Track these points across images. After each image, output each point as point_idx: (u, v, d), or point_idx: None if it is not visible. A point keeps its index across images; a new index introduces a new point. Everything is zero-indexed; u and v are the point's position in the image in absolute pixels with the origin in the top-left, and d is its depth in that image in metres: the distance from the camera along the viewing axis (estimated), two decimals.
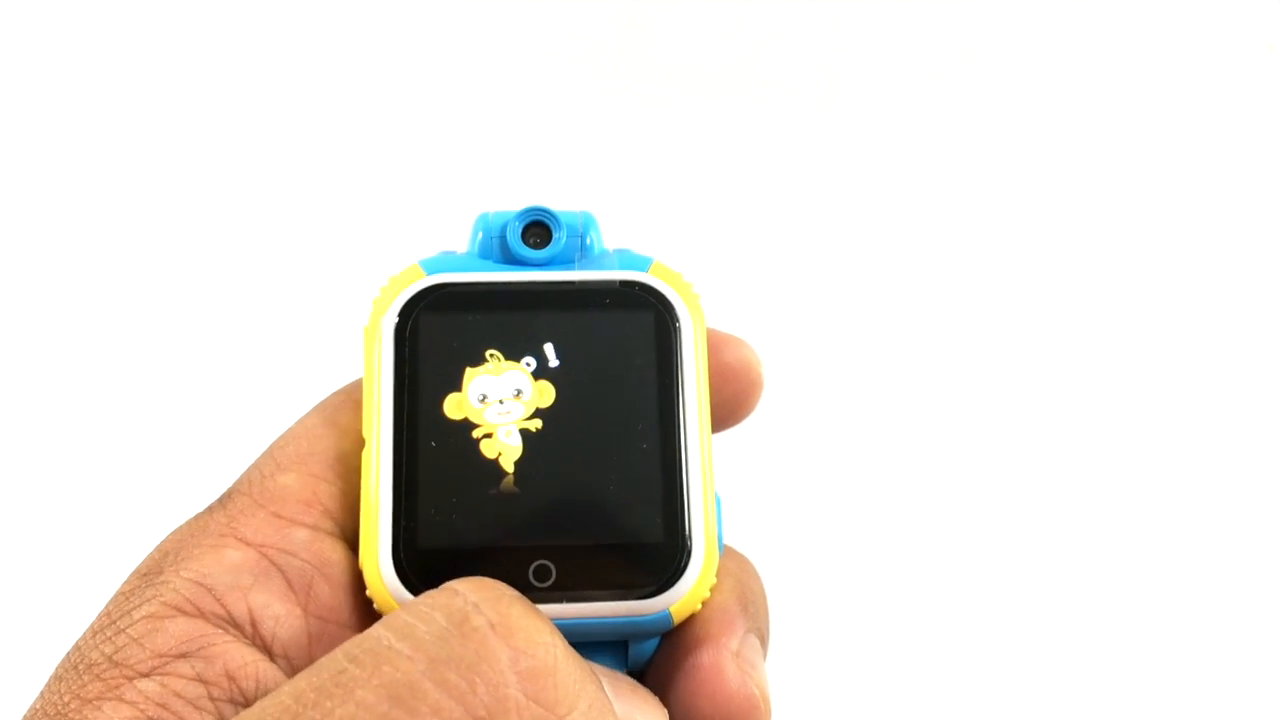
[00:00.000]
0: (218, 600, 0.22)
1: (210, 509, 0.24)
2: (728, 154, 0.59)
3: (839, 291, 0.57)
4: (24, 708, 0.22)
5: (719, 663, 0.24)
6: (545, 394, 0.25)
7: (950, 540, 0.53)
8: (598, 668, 0.23)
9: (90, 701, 0.21)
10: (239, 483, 0.25)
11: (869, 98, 0.60)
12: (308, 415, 0.26)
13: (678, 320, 0.26)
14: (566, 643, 0.21)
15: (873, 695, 0.51)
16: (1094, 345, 0.56)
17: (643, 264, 0.26)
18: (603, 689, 0.22)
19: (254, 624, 0.23)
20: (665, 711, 0.24)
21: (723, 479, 0.27)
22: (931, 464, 0.54)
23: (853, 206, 0.58)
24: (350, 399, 0.26)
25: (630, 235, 0.29)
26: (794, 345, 0.56)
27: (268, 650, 0.23)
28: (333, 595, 0.23)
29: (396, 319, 0.25)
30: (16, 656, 0.48)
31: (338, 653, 0.20)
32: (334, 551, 0.24)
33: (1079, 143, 0.59)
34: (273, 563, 0.23)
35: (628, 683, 0.24)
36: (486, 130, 0.59)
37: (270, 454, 0.25)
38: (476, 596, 0.21)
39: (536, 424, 0.25)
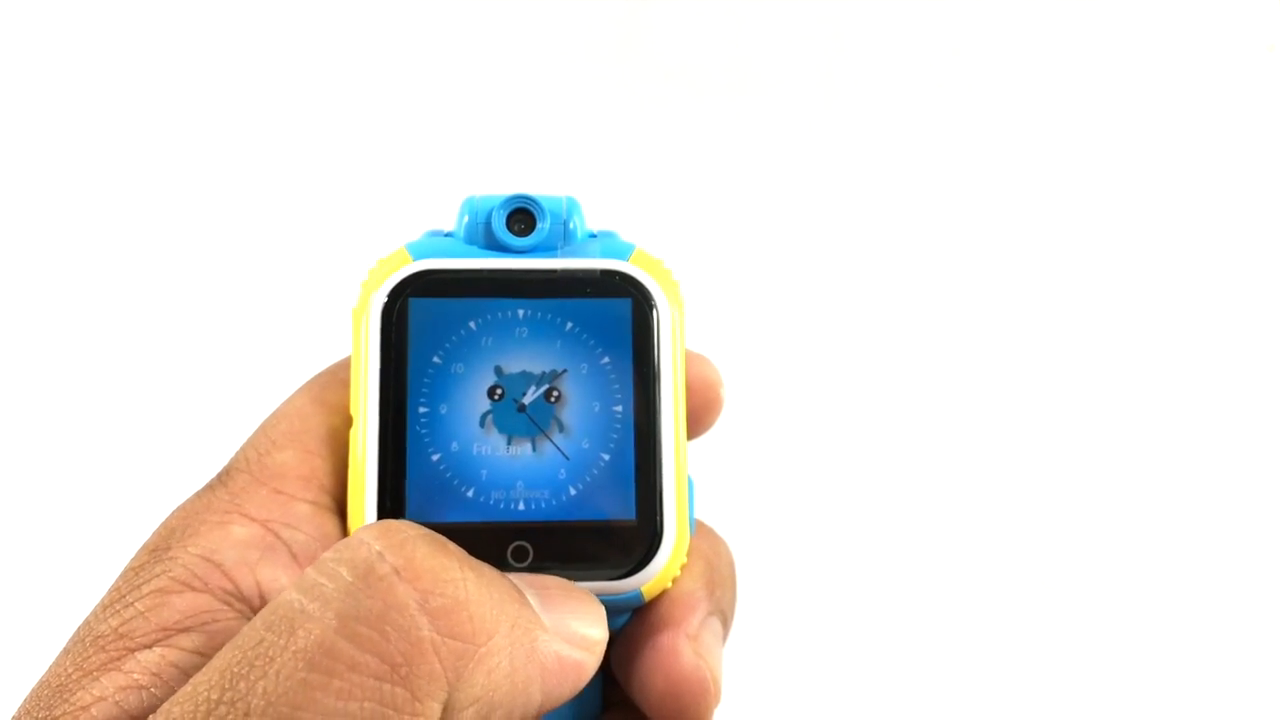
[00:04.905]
0: (226, 575, 0.23)
1: (210, 486, 0.25)
2: (727, 153, 0.59)
3: (836, 291, 0.57)
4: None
5: (676, 645, 0.25)
6: (527, 385, 0.26)
7: (932, 535, 0.53)
8: (526, 578, 0.23)
9: (90, 673, 0.21)
10: (236, 461, 0.25)
11: (868, 98, 0.60)
12: (296, 395, 0.26)
13: (656, 308, 0.26)
14: (483, 571, 0.22)
15: (842, 688, 0.51)
16: (1092, 344, 0.56)
17: (624, 251, 0.27)
18: (527, 604, 0.22)
19: (262, 598, 0.23)
20: (602, 609, 0.24)
21: (703, 468, 0.27)
22: (914, 457, 0.54)
23: (851, 206, 0.58)
24: (336, 378, 0.27)
25: (631, 236, 0.29)
26: (789, 345, 0.56)
27: None
28: None
29: (385, 300, 0.26)
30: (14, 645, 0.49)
31: (257, 621, 0.20)
32: (333, 525, 0.25)
33: (1079, 143, 0.59)
34: (278, 537, 0.24)
35: (559, 586, 0.24)
36: (486, 129, 0.59)
37: (264, 432, 0.25)
38: (381, 544, 0.21)
39: (514, 410, 0.26)
